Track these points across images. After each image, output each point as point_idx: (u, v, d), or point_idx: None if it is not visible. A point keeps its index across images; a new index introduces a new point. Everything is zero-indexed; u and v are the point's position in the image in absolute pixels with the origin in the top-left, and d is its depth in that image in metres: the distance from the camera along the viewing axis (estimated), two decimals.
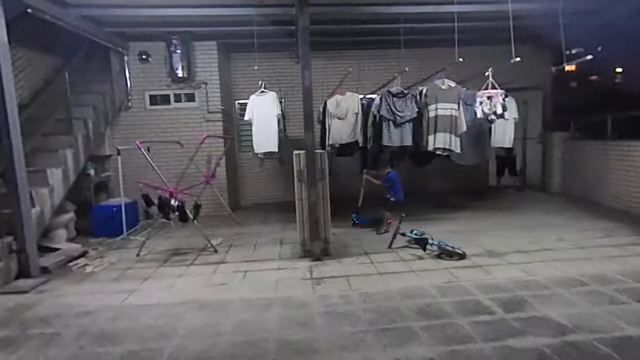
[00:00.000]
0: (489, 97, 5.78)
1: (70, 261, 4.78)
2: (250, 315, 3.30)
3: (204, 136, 5.37)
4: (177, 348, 2.82)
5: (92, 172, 6.42)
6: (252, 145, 5.94)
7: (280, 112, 5.58)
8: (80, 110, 6.02)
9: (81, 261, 4.82)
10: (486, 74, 5.78)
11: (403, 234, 5.15)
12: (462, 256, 4.54)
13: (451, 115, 5.39)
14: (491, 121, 5.94)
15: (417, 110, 5.53)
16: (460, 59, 4.94)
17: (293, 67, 8.42)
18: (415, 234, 5.06)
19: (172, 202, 4.83)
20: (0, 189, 4.41)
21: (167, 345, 2.86)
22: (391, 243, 5.07)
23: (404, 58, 6.86)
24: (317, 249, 4.65)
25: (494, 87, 5.82)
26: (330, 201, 4.77)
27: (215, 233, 6.00)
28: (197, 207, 5.04)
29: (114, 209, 5.92)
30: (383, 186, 5.69)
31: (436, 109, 5.38)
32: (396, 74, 5.74)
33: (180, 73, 6.97)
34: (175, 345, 2.86)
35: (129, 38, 7.01)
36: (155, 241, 5.62)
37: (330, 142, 6.01)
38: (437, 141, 5.32)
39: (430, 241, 4.79)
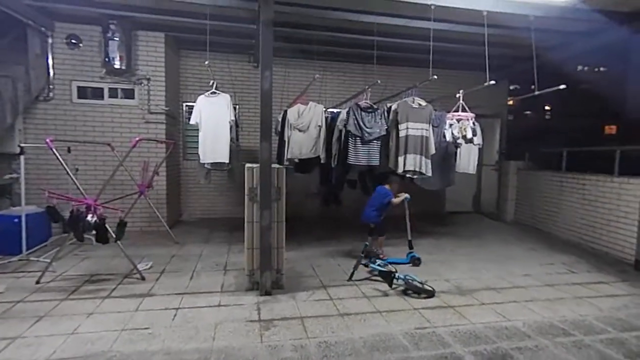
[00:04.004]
0: (458, 120, 5.52)
1: None
2: None
3: (137, 139, 4.47)
4: None
5: None
6: (198, 154, 5.11)
7: (234, 118, 4.82)
8: None
9: None
10: (457, 95, 5.53)
11: (366, 265, 4.60)
12: (431, 293, 4.05)
13: (422, 136, 4.96)
14: (457, 145, 5.70)
15: (386, 127, 5.05)
16: (435, 76, 4.55)
17: (250, 71, 7.79)
18: (379, 265, 4.53)
19: (89, 217, 3.87)
20: None
21: None
22: (352, 275, 4.48)
23: (370, 74, 6.45)
24: (267, 282, 3.92)
25: (464, 110, 5.58)
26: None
27: (146, 254, 5.08)
28: (121, 225, 4.09)
29: (15, 220, 4.77)
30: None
31: (407, 128, 4.92)
32: (367, 87, 5.24)
33: (117, 64, 5.99)
34: None
35: (55, 17, 5.94)
36: (67, 263, 4.57)
37: (288, 157, 5.36)
38: (408, 163, 4.84)
39: (396, 274, 4.27)
